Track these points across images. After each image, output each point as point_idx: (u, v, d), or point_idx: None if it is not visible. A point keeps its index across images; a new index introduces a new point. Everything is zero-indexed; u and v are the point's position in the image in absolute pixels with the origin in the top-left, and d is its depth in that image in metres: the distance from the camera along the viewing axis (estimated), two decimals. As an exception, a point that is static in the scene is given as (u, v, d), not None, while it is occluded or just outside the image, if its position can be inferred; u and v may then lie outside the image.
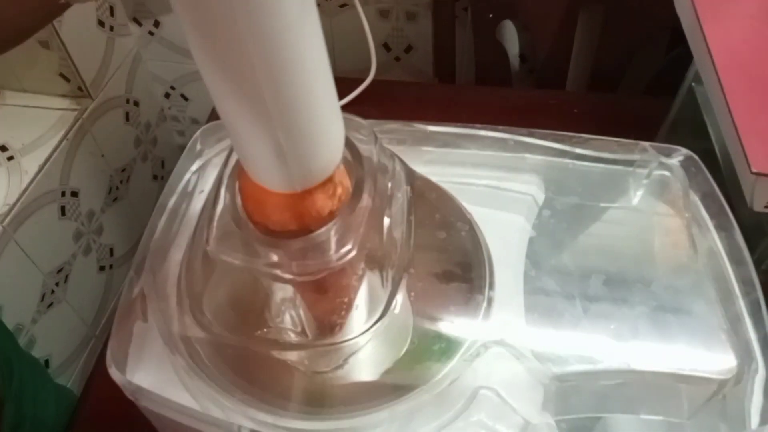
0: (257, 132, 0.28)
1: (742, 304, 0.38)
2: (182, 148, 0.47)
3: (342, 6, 0.90)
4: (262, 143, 0.29)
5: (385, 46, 0.95)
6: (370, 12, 0.90)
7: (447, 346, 0.36)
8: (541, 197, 0.44)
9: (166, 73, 1.08)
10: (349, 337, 0.34)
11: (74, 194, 0.89)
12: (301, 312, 0.36)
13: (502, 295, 0.38)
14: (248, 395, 0.36)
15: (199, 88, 1.10)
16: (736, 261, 0.39)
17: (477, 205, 0.43)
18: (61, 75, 0.88)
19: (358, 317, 0.35)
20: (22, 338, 0.81)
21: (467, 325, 0.37)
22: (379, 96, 0.77)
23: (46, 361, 0.86)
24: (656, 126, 0.63)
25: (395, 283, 0.35)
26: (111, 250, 1.00)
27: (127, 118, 1.02)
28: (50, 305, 0.86)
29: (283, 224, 0.32)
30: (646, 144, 0.44)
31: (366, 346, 0.35)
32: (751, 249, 0.39)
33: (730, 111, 0.43)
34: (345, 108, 0.81)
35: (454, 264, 0.40)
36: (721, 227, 0.41)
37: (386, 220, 0.35)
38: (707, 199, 0.42)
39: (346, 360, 0.36)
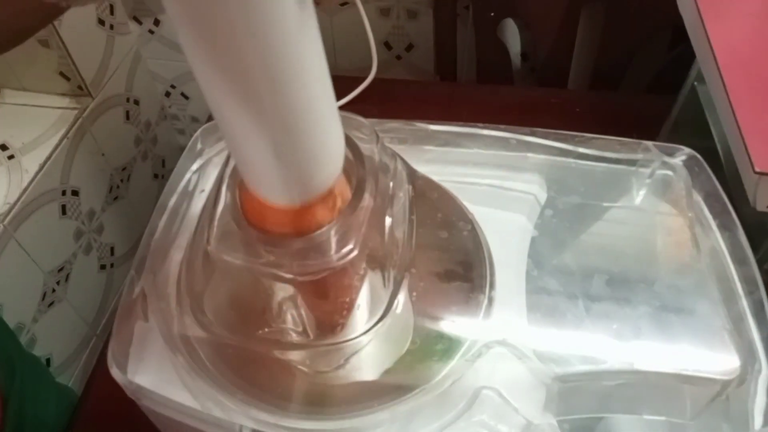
0: (257, 147, 0.28)
1: (745, 304, 0.37)
2: (183, 146, 0.47)
3: (343, 4, 0.90)
4: (261, 158, 0.29)
5: (386, 45, 0.95)
6: (371, 10, 0.90)
7: (448, 346, 0.36)
8: (543, 196, 0.43)
9: (166, 72, 1.08)
10: (351, 337, 0.34)
11: (75, 193, 0.89)
12: (303, 312, 0.36)
13: (503, 295, 0.38)
14: (249, 395, 0.36)
15: (199, 87, 1.09)
16: (739, 260, 0.39)
17: (479, 204, 0.43)
18: (61, 74, 0.87)
19: (360, 317, 0.35)
20: (23, 337, 0.81)
21: (469, 325, 0.37)
22: (380, 94, 0.77)
23: (47, 360, 0.86)
24: (658, 125, 0.63)
25: (397, 283, 0.35)
26: (111, 249, 1.00)
27: (128, 117, 1.02)
28: (51, 304, 0.86)
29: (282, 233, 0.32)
30: (649, 143, 0.44)
31: (367, 346, 0.35)
32: (754, 248, 0.39)
33: (732, 110, 0.43)
34: (346, 107, 0.81)
35: (456, 264, 0.40)
36: (724, 227, 0.41)
37: (388, 220, 0.35)
38: (710, 199, 0.42)
39: (347, 360, 0.36)
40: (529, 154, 0.45)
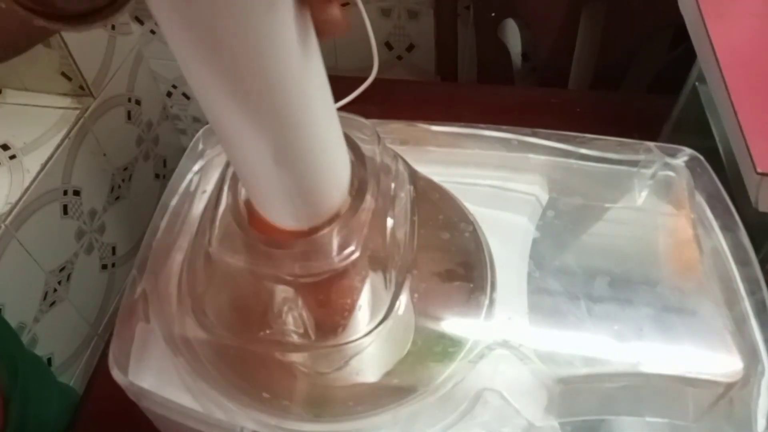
0: (266, 177, 0.29)
1: (747, 305, 0.37)
2: (184, 147, 0.47)
3: (344, 5, 0.90)
4: (270, 188, 0.30)
5: (387, 45, 0.95)
6: (372, 10, 0.90)
7: (450, 348, 0.36)
8: (544, 197, 0.43)
9: (167, 72, 1.08)
10: (352, 338, 0.34)
11: (76, 193, 0.89)
12: (304, 313, 0.36)
13: (505, 296, 0.38)
14: (250, 397, 0.36)
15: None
16: (741, 261, 0.39)
17: (480, 205, 0.43)
18: (63, 74, 0.87)
19: (361, 318, 0.35)
20: (25, 337, 0.81)
21: (470, 327, 0.37)
22: (380, 95, 0.76)
23: (49, 360, 0.86)
24: (659, 125, 0.63)
25: (398, 285, 0.35)
26: (113, 249, 1.00)
27: (129, 117, 1.02)
28: (52, 304, 0.86)
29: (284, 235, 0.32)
30: (650, 144, 0.44)
31: (369, 348, 0.35)
32: (756, 249, 0.39)
33: (734, 110, 0.43)
34: (347, 107, 0.81)
35: (457, 265, 0.40)
36: (726, 227, 0.41)
37: (389, 221, 0.35)
38: (712, 200, 0.42)
39: (348, 361, 0.36)
40: (531, 155, 0.45)
